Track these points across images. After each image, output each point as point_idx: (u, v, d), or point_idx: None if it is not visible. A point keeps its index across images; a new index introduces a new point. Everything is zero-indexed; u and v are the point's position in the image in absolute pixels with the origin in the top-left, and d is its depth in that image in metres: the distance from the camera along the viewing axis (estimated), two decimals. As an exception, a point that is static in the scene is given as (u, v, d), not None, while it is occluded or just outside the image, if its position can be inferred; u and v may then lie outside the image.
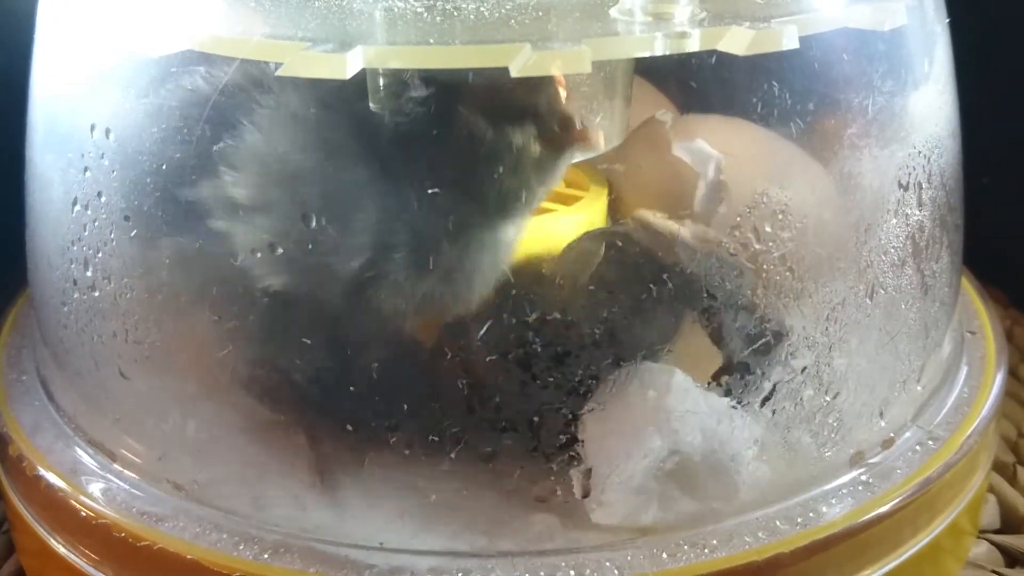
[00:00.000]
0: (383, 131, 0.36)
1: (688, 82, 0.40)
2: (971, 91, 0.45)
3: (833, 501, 0.38)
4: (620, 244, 0.40)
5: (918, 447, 0.41)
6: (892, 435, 0.41)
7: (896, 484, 0.39)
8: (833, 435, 0.39)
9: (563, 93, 0.41)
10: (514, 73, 0.33)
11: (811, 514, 0.38)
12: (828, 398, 0.39)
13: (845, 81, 0.39)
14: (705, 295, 0.37)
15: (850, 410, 0.39)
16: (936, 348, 0.44)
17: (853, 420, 0.40)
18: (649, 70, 0.43)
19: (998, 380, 0.46)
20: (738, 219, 0.38)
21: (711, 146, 0.41)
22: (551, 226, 0.43)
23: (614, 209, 0.47)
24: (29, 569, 0.45)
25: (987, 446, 0.44)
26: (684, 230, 0.39)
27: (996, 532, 0.49)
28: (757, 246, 0.38)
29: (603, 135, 0.45)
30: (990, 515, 0.49)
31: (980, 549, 0.47)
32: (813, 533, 0.37)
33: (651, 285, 0.38)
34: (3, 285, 0.52)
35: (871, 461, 0.40)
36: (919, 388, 0.43)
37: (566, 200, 0.46)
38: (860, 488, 0.39)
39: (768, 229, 0.38)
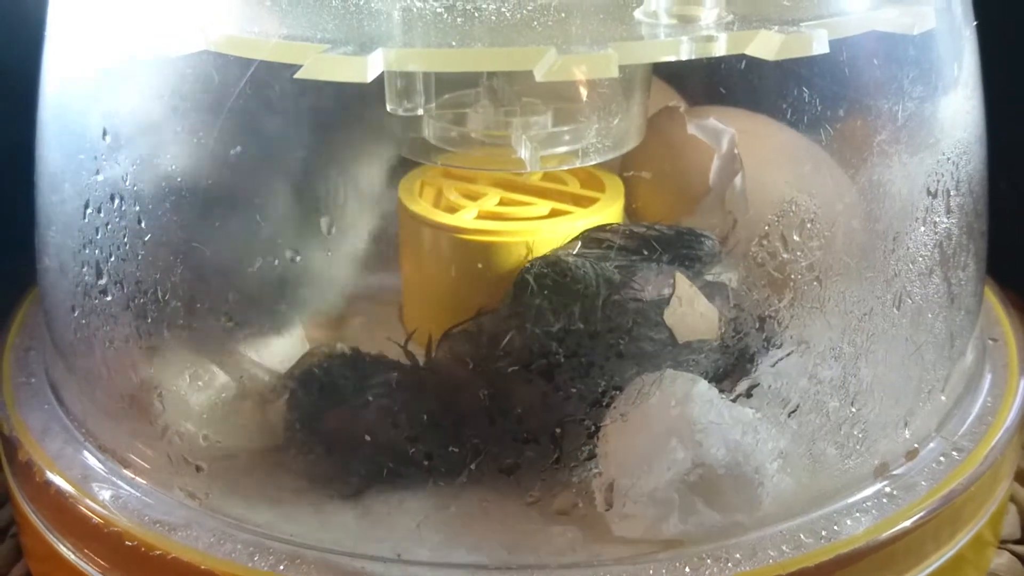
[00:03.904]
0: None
1: (716, 87, 0.39)
2: (986, 93, 0.44)
3: (857, 514, 0.38)
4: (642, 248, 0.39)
5: (942, 458, 0.41)
6: (916, 446, 0.41)
7: (921, 497, 0.39)
8: (858, 446, 0.39)
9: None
10: (539, 77, 0.32)
11: (835, 527, 0.37)
12: (854, 409, 0.38)
13: (875, 86, 0.38)
14: (731, 305, 0.37)
15: (875, 421, 0.39)
16: (960, 357, 0.43)
17: (878, 431, 0.39)
18: (673, 73, 0.42)
19: (1022, 388, 0.45)
20: (766, 228, 0.37)
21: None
22: (570, 227, 0.43)
23: (631, 208, 0.46)
24: (37, 574, 0.45)
25: (1011, 456, 0.43)
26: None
27: (1016, 542, 0.48)
28: (785, 255, 0.37)
29: (620, 137, 0.45)
30: (1010, 525, 0.48)
31: (1001, 560, 0.46)
32: (838, 547, 0.36)
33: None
34: (10, 285, 0.52)
35: (895, 473, 0.39)
36: (943, 398, 0.42)
37: (583, 202, 0.45)
38: (885, 501, 0.38)
39: (796, 238, 0.37)
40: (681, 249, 0.39)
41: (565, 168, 0.46)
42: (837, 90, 0.37)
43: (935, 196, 0.39)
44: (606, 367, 0.36)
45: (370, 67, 0.32)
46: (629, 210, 0.46)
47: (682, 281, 0.37)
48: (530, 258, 0.40)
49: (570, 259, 0.38)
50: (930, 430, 0.41)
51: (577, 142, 0.44)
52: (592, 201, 0.45)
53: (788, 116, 0.37)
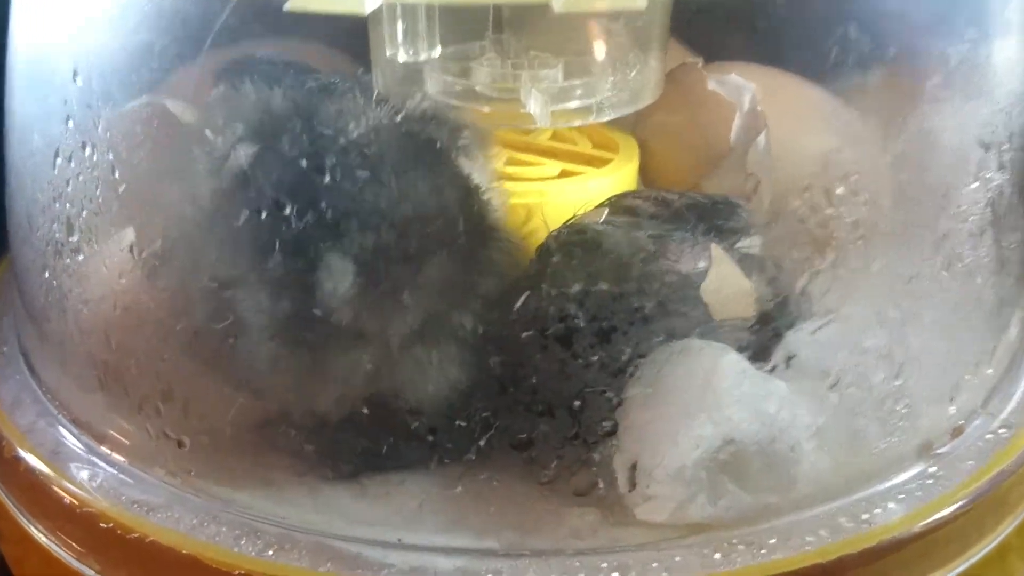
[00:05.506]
0: None
1: (753, 24, 0.37)
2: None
3: (901, 496, 0.35)
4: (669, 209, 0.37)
5: (989, 436, 0.38)
6: (962, 423, 0.39)
7: (968, 478, 0.36)
8: (901, 423, 0.37)
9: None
10: (558, 9, 0.30)
11: (878, 511, 0.35)
12: (898, 381, 0.36)
13: (926, 26, 0.36)
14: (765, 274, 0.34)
15: (920, 395, 0.37)
16: (1006, 328, 0.42)
17: (923, 406, 0.37)
18: (701, 14, 0.40)
19: (1070, 363, 0.43)
20: (803, 186, 0.35)
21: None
22: (581, 189, 0.41)
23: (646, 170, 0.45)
24: (9, 557, 0.43)
25: (1061, 435, 0.41)
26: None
27: (1058, 527, 0.46)
28: (820, 215, 0.35)
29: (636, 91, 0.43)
30: (1051, 509, 0.46)
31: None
32: (882, 532, 0.34)
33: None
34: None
35: (940, 451, 0.37)
36: (990, 371, 0.40)
37: (595, 162, 0.44)
38: (930, 482, 0.36)
39: (829, 198, 0.35)
40: (716, 220, 0.37)
41: (577, 125, 0.44)
42: (887, 29, 0.35)
43: (988, 149, 0.37)
44: (635, 338, 0.34)
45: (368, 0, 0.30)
46: (644, 171, 0.45)
47: (719, 254, 0.35)
48: (538, 220, 0.38)
49: (600, 226, 0.36)
50: (976, 406, 0.39)
51: (590, 97, 0.42)
52: (605, 162, 0.44)
53: (833, 58, 0.35)
